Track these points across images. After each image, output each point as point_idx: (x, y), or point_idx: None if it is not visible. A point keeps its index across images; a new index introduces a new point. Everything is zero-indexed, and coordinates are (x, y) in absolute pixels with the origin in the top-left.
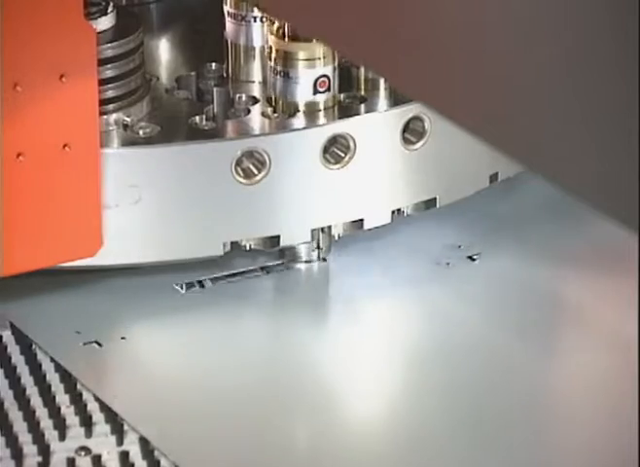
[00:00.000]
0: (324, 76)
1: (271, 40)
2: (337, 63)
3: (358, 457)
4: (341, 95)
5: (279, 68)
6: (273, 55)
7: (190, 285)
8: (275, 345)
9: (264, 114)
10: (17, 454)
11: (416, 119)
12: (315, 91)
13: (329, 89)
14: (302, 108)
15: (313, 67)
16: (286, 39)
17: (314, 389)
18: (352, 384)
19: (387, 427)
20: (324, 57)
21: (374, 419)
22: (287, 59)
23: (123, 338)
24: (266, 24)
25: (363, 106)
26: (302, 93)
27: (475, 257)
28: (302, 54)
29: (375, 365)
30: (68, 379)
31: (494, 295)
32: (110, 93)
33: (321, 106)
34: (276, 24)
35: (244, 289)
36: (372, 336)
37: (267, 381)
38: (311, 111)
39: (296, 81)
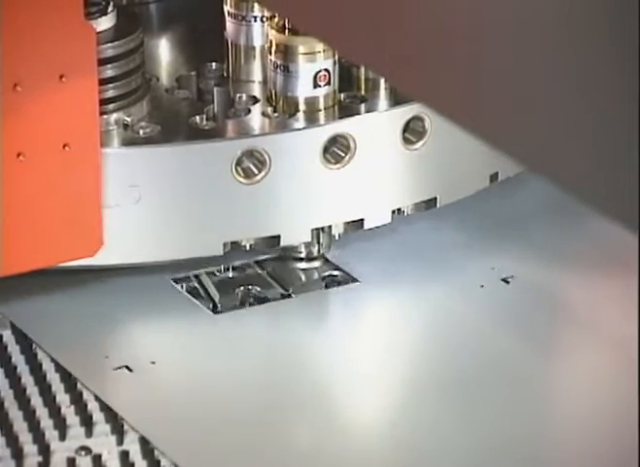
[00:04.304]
0: (324, 70)
1: (271, 34)
2: (337, 57)
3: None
4: (342, 95)
5: (279, 62)
6: (273, 49)
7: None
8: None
9: (264, 114)
10: (18, 454)
11: (417, 118)
12: (315, 85)
13: (329, 84)
14: (302, 103)
15: (313, 61)
16: (286, 33)
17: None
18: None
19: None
20: (324, 51)
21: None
22: (287, 53)
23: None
24: (266, 23)
25: (363, 106)
26: (303, 87)
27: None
28: (302, 48)
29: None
30: (68, 379)
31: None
32: (110, 93)
33: (321, 101)
34: (276, 18)
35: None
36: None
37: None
38: (311, 109)
39: (296, 75)
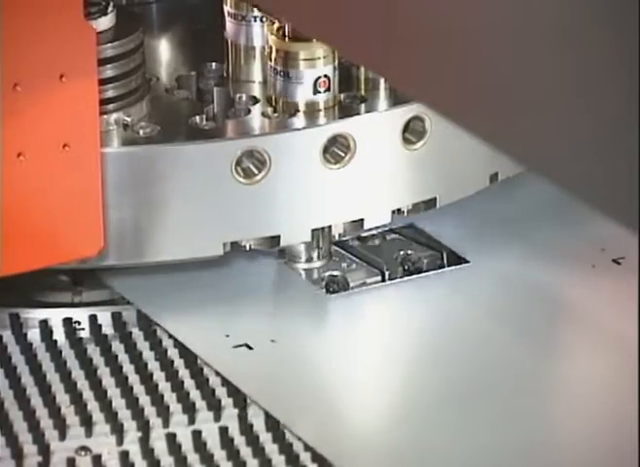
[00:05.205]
0: (324, 76)
1: (272, 40)
2: (337, 63)
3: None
4: (341, 95)
5: (279, 68)
6: (273, 55)
7: None
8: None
9: (264, 114)
10: (18, 454)
11: (416, 119)
12: (315, 91)
13: (329, 89)
14: (302, 108)
15: (313, 67)
16: (286, 39)
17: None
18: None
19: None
20: (324, 57)
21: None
22: (287, 59)
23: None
24: (266, 24)
25: (363, 106)
26: (303, 93)
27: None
28: (302, 54)
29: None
30: (68, 379)
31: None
32: (110, 93)
33: (321, 106)
34: (276, 24)
35: None
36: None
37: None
38: (311, 111)
39: (296, 81)
